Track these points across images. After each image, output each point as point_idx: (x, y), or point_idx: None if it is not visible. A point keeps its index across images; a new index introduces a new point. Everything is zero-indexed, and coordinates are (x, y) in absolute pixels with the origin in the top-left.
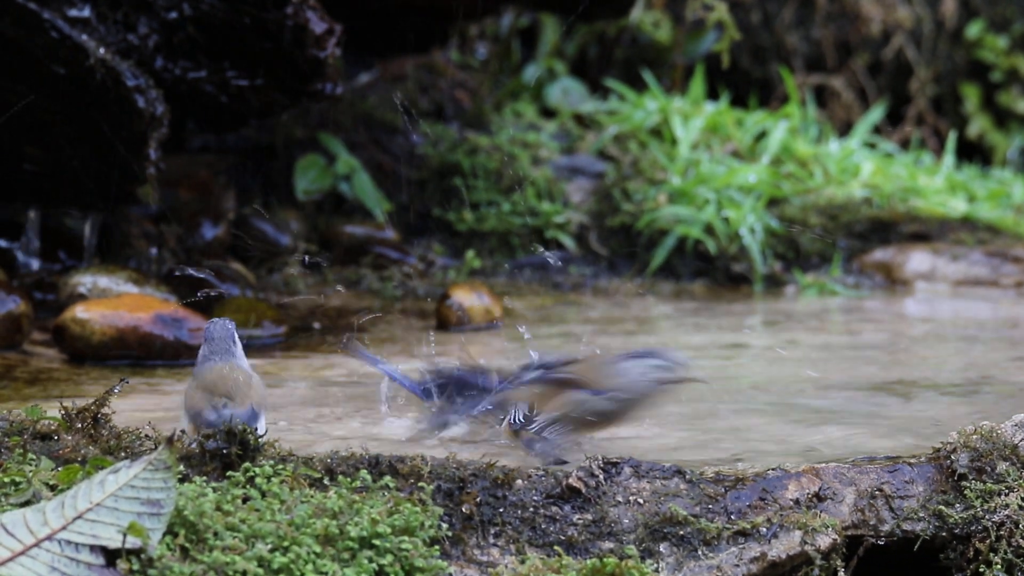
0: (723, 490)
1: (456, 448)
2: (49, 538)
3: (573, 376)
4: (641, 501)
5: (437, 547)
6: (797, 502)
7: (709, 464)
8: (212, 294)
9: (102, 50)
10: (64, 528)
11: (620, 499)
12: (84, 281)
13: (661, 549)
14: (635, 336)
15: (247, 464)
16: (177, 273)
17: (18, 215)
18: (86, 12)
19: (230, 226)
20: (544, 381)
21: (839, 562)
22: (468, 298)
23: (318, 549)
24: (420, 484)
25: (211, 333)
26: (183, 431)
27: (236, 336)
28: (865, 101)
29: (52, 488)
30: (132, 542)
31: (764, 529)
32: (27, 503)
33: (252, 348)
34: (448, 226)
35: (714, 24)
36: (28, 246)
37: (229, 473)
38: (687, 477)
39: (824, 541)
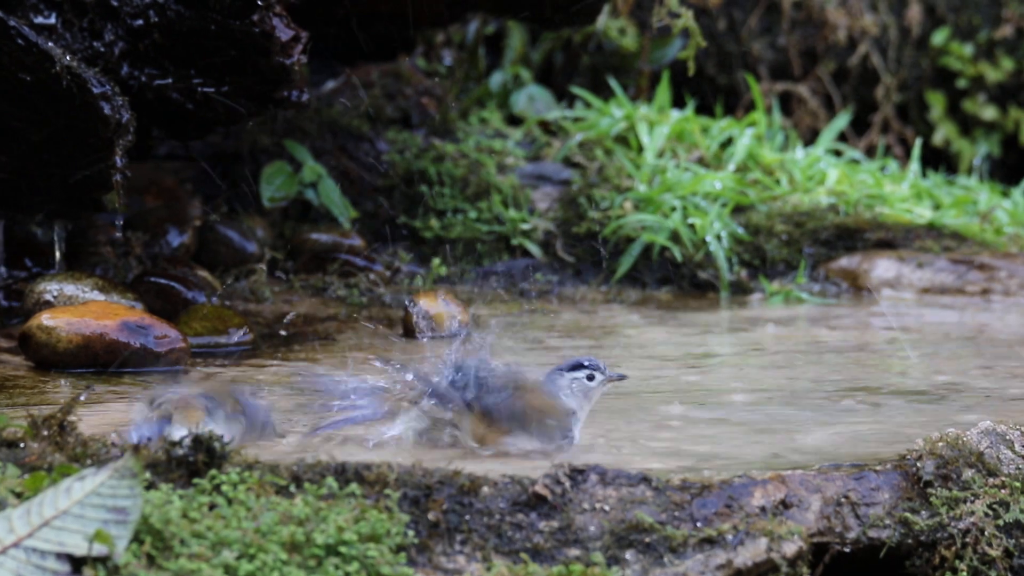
0: (689, 497)
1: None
2: (15, 545)
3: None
4: (607, 508)
5: (403, 554)
6: (763, 509)
7: (675, 471)
8: None
9: (68, 57)
10: (30, 535)
11: (586, 506)
12: (50, 288)
13: (627, 556)
14: (602, 341)
15: (213, 471)
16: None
17: None
18: (52, 19)
19: (196, 233)
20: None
21: (805, 569)
22: (434, 305)
23: (284, 556)
24: (386, 491)
25: None
26: (149, 438)
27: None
28: (831, 108)
29: (18, 495)
30: (98, 549)
31: (730, 536)
32: None
33: (217, 356)
34: (414, 233)
35: (680, 31)
36: None
37: (195, 480)
38: (653, 484)
39: (790, 548)
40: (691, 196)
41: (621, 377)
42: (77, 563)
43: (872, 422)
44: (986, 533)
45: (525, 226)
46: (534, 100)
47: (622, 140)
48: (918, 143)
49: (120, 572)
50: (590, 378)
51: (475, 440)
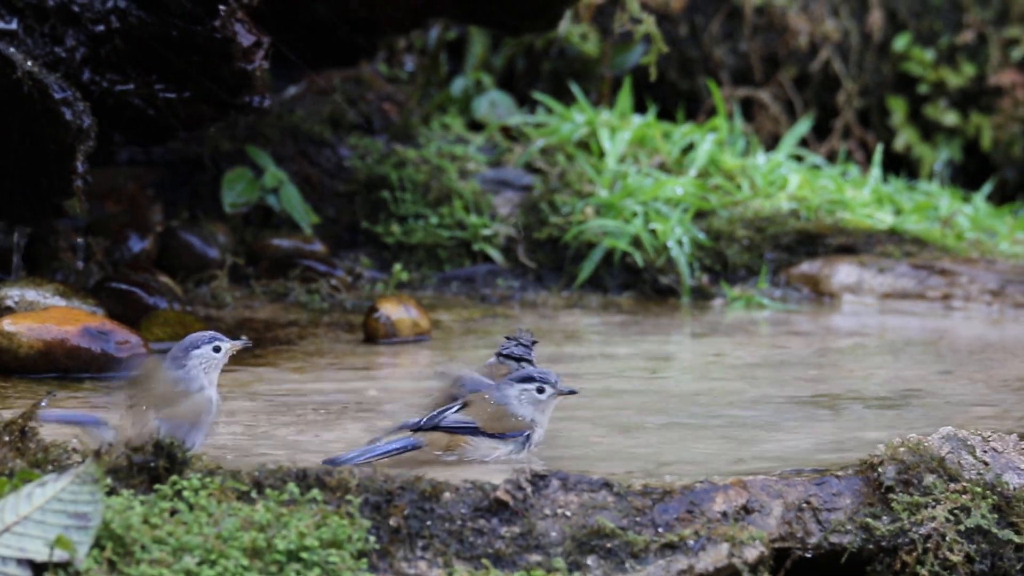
0: (651, 503)
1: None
2: None
3: (469, 423)
4: (569, 514)
5: (365, 560)
6: (725, 515)
7: (637, 476)
8: None
9: (29, 63)
10: None
11: (548, 512)
12: (11, 294)
13: (589, 562)
14: (563, 346)
15: (175, 477)
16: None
17: None
18: (13, 25)
19: (157, 239)
20: (442, 429)
21: (766, 575)
22: (396, 311)
23: (246, 562)
24: (348, 497)
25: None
26: (111, 443)
27: (196, 348)
28: (792, 114)
29: None
30: (59, 555)
31: (692, 542)
32: None
33: None
34: (376, 239)
35: (642, 37)
36: None
37: (156, 486)
38: (615, 490)
39: (751, 554)
40: (652, 201)
41: (572, 392)
42: (38, 569)
43: (834, 427)
44: (947, 538)
45: (486, 231)
46: (496, 105)
47: (584, 145)
48: (879, 148)
49: None
50: (540, 391)
51: (439, 450)
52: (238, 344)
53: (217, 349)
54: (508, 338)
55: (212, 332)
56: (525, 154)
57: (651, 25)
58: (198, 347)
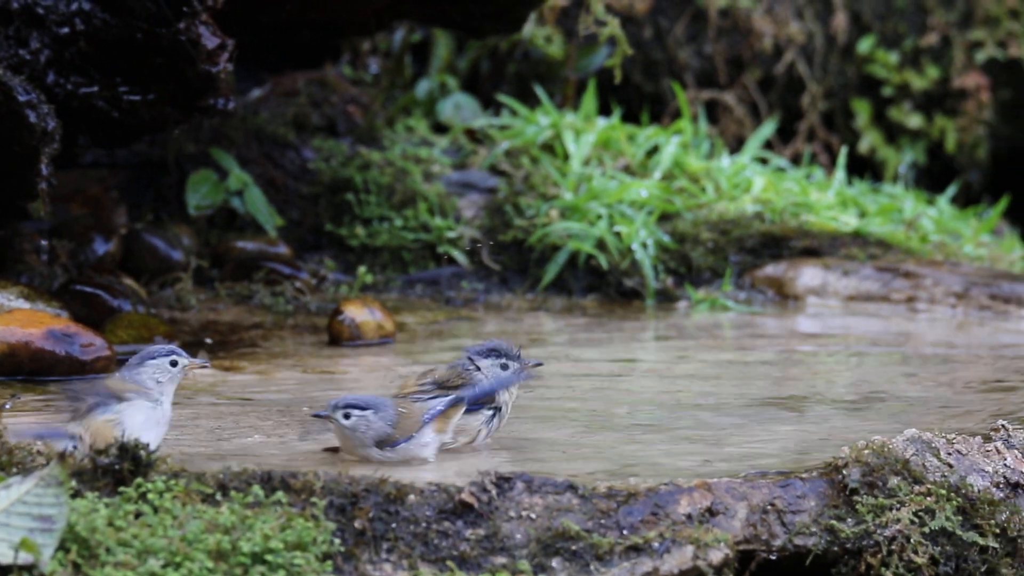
0: (615, 505)
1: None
2: None
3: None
4: (533, 516)
5: (329, 562)
6: (689, 517)
7: (601, 479)
8: None
9: None
10: None
11: (512, 514)
12: None
13: (553, 564)
14: (528, 350)
15: (139, 480)
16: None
17: None
18: None
19: (122, 241)
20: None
21: None
22: (360, 313)
23: (210, 565)
24: (312, 499)
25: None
26: (75, 446)
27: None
28: (757, 116)
29: None
30: (24, 558)
31: (656, 544)
32: None
33: None
34: (340, 241)
35: (606, 39)
36: None
37: (121, 489)
38: (579, 492)
39: (716, 556)
40: (617, 204)
41: (539, 364)
42: (3, 571)
43: (798, 430)
44: (912, 540)
45: (451, 234)
46: (460, 108)
47: (548, 148)
48: (844, 151)
49: None
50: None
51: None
52: (196, 362)
53: (174, 363)
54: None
55: (172, 346)
56: (490, 156)
57: (615, 27)
58: (154, 358)
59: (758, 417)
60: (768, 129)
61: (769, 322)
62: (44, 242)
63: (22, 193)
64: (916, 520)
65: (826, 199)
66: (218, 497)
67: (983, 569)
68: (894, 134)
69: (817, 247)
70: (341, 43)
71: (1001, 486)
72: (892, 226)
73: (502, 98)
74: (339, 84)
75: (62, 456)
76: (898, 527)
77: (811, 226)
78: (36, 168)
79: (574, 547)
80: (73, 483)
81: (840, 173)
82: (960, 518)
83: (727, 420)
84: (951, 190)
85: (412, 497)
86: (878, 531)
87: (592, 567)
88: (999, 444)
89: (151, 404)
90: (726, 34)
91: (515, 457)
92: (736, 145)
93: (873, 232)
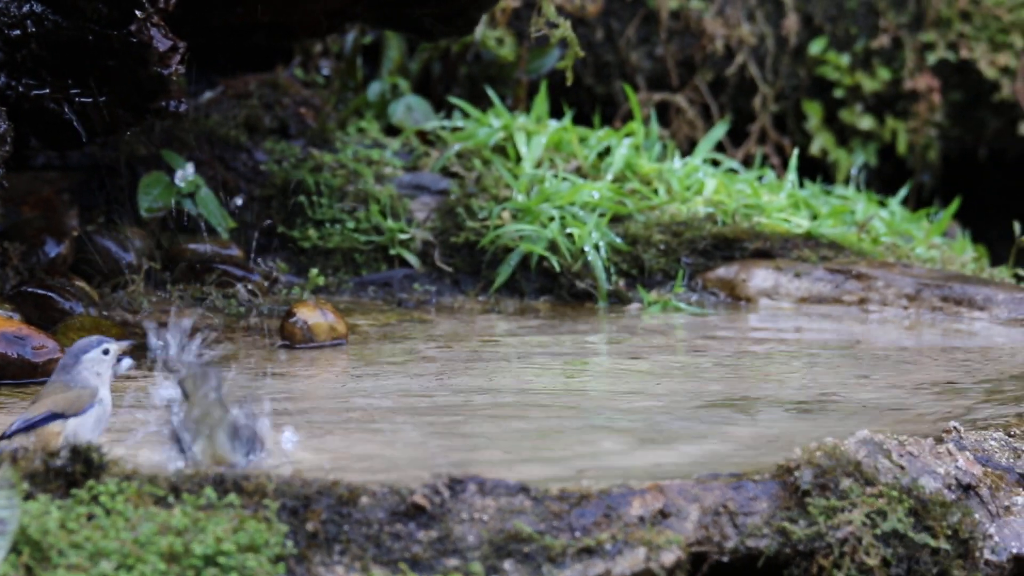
0: (568, 507)
1: None
2: None
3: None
4: (486, 518)
5: (282, 565)
6: (641, 519)
7: (554, 481)
8: None
9: None
10: None
11: (465, 516)
12: None
13: (506, 566)
14: (480, 351)
15: (91, 482)
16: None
17: None
18: None
19: (74, 244)
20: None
21: None
22: (312, 315)
23: (163, 567)
24: (265, 502)
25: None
26: (27, 449)
27: (86, 353)
28: (709, 118)
29: None
30: None
31: (609, 546)
32: None
33: None
34: (292, 243)
35: (558, 41)
36: None
37: (73, 491)
38: (532, 494)
39: (668, 558)
40: (569, 206)
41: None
42: None
43: (750, 431)
44: (864, 542)
45: (403, 236)
46: (412, 110)
47: (500, 150)
48: (795, 153)
49: None
50: (106, 352)
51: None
52: (124, 344)
53: (106, 352)
54: None
55: (99, 336)
56: (442, 159)
57: (567, 30)
58: (87, 352)
59: (710, 419)
60: (720, 131)
61: (721, 324)
62: None
63: None
64: (868, 522)
65: (778, 201)
66: (170, 499)
67: (935, 571)
68: (846, 136)
69: (769, 249)
70: (293, 46)
71: (953, 488)
72: (844, 228)
73: (454, 100)
74: (291, 86)
75: (14, 458)
76: (850, 529)
77: (763, 228)
78: None
79: (527, 549)
80: (25, 485)
81: (792, 175)
82: (912, 520)
83: (679, 421)
84: (903, 192)
85: (365, 499)
86: (830, 533)
87: (544, 569)
88: (951, 446)
89: (96, 403)
90: (677, 36)
91: (466, 459)
92: (688, 147)
93: (825, 234)
